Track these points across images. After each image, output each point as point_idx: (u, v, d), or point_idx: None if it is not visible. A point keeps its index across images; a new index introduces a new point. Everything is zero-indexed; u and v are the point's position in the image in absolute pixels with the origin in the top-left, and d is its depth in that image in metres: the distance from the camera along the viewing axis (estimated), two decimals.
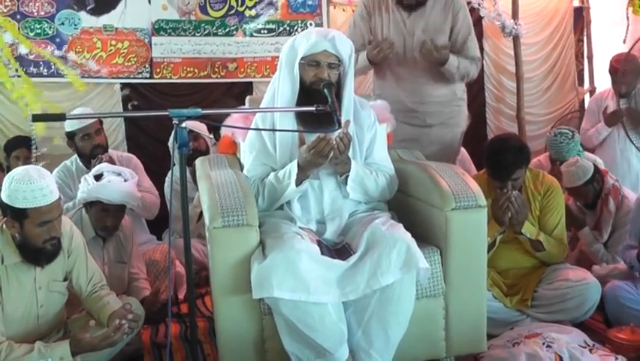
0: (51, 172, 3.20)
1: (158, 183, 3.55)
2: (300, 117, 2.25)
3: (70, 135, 3.31)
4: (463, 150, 3.84)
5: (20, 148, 3.66)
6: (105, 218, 2.75)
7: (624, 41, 4.56)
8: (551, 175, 3.03)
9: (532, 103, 4.99)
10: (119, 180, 2.79)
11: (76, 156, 3.40)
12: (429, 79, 3.06)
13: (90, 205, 2.76)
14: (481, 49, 4.90)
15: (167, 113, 1.84)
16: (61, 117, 1.93)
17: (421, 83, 3.07)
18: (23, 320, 2.14)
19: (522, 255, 2.73)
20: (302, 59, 2.20)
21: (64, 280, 2.27)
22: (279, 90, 2.26)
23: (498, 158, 2.62)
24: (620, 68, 3.82)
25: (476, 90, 4.76)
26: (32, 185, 2.00)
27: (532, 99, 5.00)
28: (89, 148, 3.27)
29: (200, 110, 1.89)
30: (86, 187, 2.75)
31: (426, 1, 2.95)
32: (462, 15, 2.93)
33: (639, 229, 2.72)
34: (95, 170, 2.85)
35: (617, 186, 3.16)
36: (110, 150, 3.43)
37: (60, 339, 2.17)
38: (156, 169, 3.71)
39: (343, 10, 4.50)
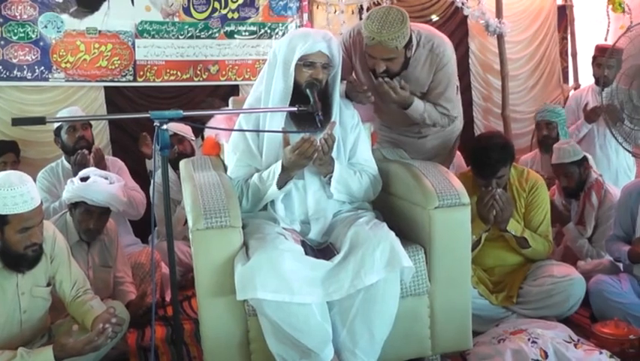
0: (35, 176, 3.22)
1: (143, 187, 3.53)
2: (293, 117, 2.22)
3: (57, 131, 3.36)
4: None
5: (7, 153, 3.64)
6: (89, 220, 2.73)
7: (605, 39, 4.60)
8: (542, 164, 3.03)
9: (518, 101, 5.01)
10: (105, 182, 2.78)
11: (62, 159, 3.41)
12: (416, 132, 2.88)
13: (74, 207, 2.74)
14: (467, 48, 4.93)
15: (149, 115, 1.83)
16: (40, 120, 1.91)
17: (410, 137, 2.90)
18: (6, 326, 2.12)
19: (507, 252, 2.74)
20: (299, 59, 2.17)
21: (48, 285, 2.25)
22: (272, 90, 2.23)
23: (482, 156, 2.63)
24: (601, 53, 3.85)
25: (463, 89, 4.73)
26: (13, 191, 1.98)
27: (518, 97, 5.02)
28: (73, 140, 3.31)
29: (181, 111, 1.88)
30: (71, 187, 2.74)
31: (400, 72, 2.57)
32: (441, 74, 2.64)
33: (624, 217, 2.74)
34: (82, 173, 2.84)
35: (601, 181, 3.19)
36: None
37: (44, 345, 2.15)
38: (142, 172, 3.69)
39: (325, 10, 4.48)
